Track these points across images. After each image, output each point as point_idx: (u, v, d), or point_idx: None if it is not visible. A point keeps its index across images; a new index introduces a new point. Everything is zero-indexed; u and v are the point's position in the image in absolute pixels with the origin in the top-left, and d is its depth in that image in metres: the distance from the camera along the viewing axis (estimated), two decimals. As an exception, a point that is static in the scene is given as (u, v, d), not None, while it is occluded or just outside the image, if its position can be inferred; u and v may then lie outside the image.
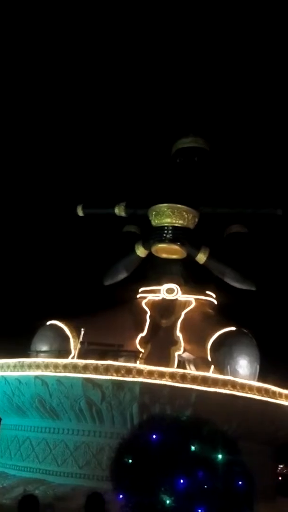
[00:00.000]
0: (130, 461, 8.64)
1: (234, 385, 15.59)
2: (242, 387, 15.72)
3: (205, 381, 15.24)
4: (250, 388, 15.89)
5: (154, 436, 8.98)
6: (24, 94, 30.43)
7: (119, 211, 23.07)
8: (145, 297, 21.21)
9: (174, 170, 23.50)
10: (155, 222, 21.34)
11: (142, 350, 18.79)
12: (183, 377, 15.15)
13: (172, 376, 15.11)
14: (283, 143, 29.15)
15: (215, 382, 15.37)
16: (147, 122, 28.30)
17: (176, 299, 20.72)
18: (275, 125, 28.28)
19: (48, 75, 31.09)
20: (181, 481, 8.21)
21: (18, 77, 30.58)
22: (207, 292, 21.63)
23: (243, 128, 28.23)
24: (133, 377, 14.91)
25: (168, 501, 7.97)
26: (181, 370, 15.80)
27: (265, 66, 30.04)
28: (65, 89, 30.74)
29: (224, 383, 15.51)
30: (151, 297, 21.12)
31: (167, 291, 20.88)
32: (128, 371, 15.02)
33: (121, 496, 8.52)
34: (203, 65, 28.50)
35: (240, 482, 8.71)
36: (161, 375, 15.05)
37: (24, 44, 30.33)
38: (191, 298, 20.81)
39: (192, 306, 20.47)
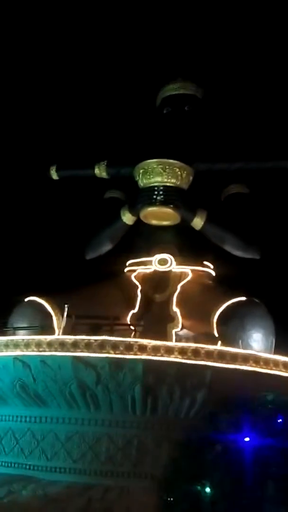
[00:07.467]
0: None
1: (256, 360, 13.26)
2: (266, 362, 13.40)
3: (222, 356, 12.92)
4: (276, 364, 13.56)
5: None
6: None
7: (100, 171, 20.35)
8: (134, 270, 18.73)
9: (162, 122, 20.57)
10: (143, 182, 18.63)
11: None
12: (196, 353, 12.77)
13: (183, 351, 12.71)
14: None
15: (234, 358, 13.06)
16: (127, 66, 24.88)
17: (170, 271, 18.30)
18: (280, 61, 24.52)
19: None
20: None
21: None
22: (205, 262, 19.11)
23: (241, 67, 24.43)
24: (135, 354, 12.60)
25: None
26: (193, 345, 13.23)
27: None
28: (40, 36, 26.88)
29: (245, 359, 13.15)
30: (141, 269, 18.67)
31: (159, 262, 18.44)
32: (128, 348, 12.69)
33: None
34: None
35: None
36: (169, 351, 12.68)
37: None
38: (187, 269, 18.41)
39: (188, 278, 18.12)
